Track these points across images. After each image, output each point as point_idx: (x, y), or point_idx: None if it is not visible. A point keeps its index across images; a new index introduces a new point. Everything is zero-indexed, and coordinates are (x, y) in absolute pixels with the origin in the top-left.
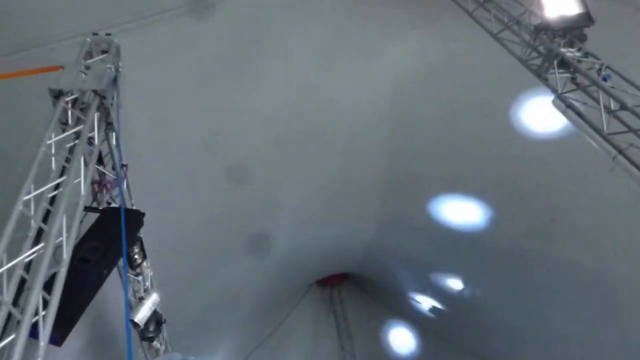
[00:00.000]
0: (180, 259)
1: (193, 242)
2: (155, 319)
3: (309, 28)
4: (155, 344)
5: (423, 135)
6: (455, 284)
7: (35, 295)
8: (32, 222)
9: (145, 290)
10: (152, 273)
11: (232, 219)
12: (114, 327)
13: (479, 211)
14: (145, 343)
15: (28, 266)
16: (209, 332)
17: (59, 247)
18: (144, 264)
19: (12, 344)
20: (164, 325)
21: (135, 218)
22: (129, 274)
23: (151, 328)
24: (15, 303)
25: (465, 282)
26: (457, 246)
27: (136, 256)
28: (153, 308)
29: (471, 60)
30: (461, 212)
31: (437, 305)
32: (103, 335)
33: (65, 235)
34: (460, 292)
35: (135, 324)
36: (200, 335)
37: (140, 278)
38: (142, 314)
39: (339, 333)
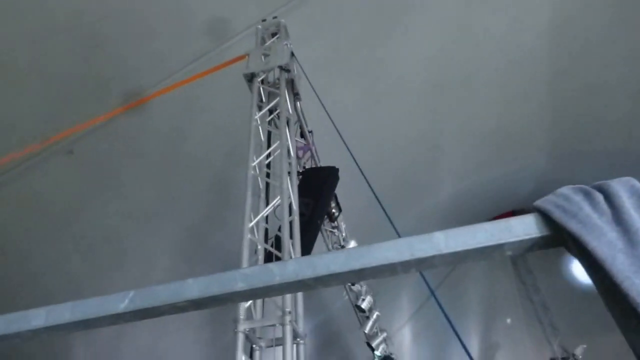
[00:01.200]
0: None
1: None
2: None
3: None
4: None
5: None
6: None
7: (286, 241)
8: (260, 183)
9: (344, 240)
10: (345, 225)
11: (399, 166)
12: None
13: None
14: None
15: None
16: None
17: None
18: (340, 216)
19: None
20: None
21: (333, 175)
22: (327, 227)
23: None
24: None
25: None
26: None
27: (333, 210)
28: None
29: None
30: None
31: None
32: None
33: (291, 190)
34: None
35: None
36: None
37: (336, 231)
38: None
39: (515, 268)
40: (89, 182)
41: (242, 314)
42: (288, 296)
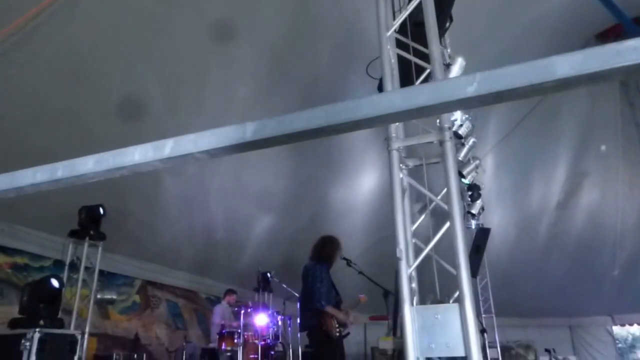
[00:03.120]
0: None
1: None
2: None
3: None
4: None
5: None
6: None
7: None
8: None
9: None
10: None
11: None
12: None
13: None
14: None
15: None
16: None
17: None
18: None
19: None
20: None
21: None
22: None
23: None
24: None
25: None
26: None
27: None
28: None
29: None
30: None
31: None
32: None
33: None
34: None
35: None
36: None
37: None
38: None
39: (624, 89)
40: None
41: (393, 132)
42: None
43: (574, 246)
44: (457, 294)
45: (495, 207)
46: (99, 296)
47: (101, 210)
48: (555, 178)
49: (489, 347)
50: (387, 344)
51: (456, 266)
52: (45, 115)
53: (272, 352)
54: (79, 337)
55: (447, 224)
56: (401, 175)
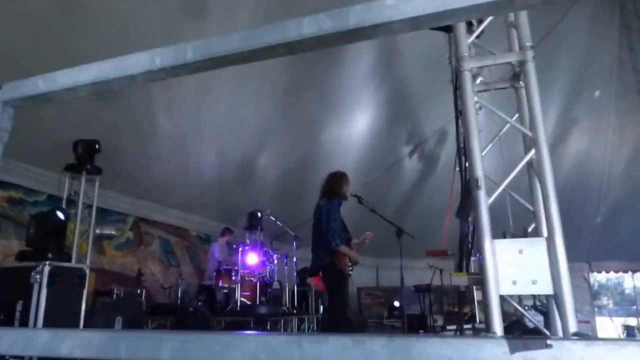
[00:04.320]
0: None
1: None
2: None
3: None
4: None
5: None
6: None
7: None
8: None
9: None
10: None
11: None
12: None
13: None
14: None
15: None
16: None
17: None
18: None
19: None
20: None
21: None
22: None
23: None
24: None
25: None
26: None
27: None
28: None
29: None
30: None
31: None
32: None
33: None
34: None
35: None
36: None
37: None
38: None
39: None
40: None
41: (465, 51)
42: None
43: (559, 193)
44: (531, 227)
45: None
46: (97, 231)
47: (97, 146)
48: (546, 123)
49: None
50: (460, 280)
51: (544, 197)
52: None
53: (270, 290)
54: (87, 271)
55: (531, 152)
56: (476, 99)
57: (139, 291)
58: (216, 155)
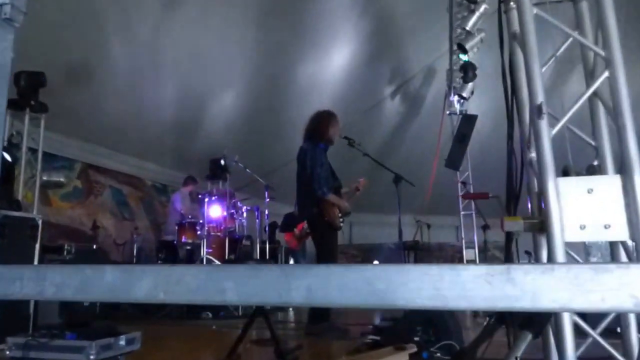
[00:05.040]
0: None
1: None
2: None
3: None
4: None
5: None
6: None
7: None
8: None
9: None
10: None
11: None
12: None
13: None
14: None
15: None
16: None
17: None
18: None
19: None
20: None
21: None
22: None
23: None
24: None
25: None
26: None
27: None
28: None
29: None
30: None
31: None
32: None
33: None
34: None
35: None
36: None
37: None
38: None
39: None
40: None
41: None
42: None
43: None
44: (595, 161)
45: (483, 92)
46: (44, 178)
47: (42, 79)
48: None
49: (466, 247)
50: (515, 225)
51: (620, 127)
52: None
53: (240, 246)
54: (39, 221)
55: (604, 75)
56: (535, 10)
57: (94, 246)
58: (175, 93)
